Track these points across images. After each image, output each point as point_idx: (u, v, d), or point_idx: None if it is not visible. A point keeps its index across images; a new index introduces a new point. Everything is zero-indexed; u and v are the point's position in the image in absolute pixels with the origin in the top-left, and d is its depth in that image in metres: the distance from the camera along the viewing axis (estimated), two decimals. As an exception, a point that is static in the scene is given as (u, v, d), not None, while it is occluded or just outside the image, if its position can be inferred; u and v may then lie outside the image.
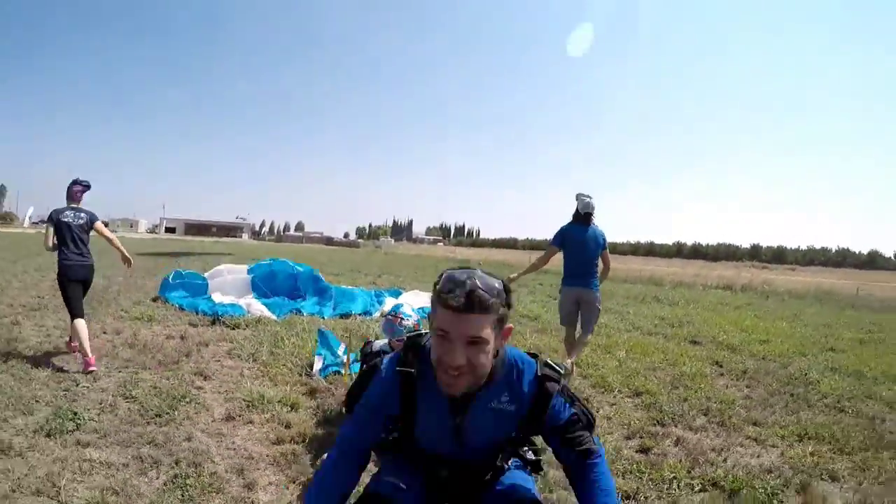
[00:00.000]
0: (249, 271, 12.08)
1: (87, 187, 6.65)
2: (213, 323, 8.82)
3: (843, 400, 6.37)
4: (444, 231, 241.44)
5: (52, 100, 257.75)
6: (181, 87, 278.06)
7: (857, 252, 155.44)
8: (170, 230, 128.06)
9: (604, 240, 6.61)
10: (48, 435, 3.94)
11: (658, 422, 5.15)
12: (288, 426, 4.43)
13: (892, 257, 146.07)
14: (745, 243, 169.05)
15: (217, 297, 10.64)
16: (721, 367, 7.95)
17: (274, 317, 9.60)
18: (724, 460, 4.25)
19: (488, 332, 1.65)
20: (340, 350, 6.55)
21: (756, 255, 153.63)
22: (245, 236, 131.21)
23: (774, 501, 3.59)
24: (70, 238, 6.20)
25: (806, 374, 7.62)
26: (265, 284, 11.51)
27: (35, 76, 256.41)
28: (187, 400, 4.93)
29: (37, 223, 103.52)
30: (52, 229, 6.19)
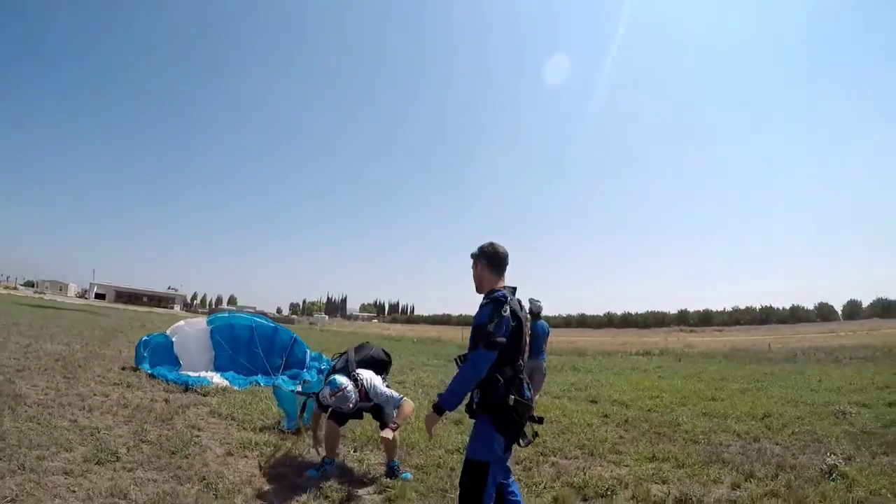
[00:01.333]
0: (209, 322, 13.70)
1: None
2: (186, 390, 10.40)
3: (699, 434, 8.61)
4: (378, 308, 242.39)
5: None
6: (113, 156, 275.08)
7: (779, 308, 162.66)
8: (100, 296, 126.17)
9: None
10: (98, 463, 5.56)
11: (542, 454, 7.25)
12: (272, 457, 6.20)
13: (813, 309, 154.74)
14: (673, 309, 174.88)
15: (182, 369, 12.19)
16: (608, 417, 10.13)
17: (236, 388, 11.26)
18: (584, 473, 6.35)
19: None
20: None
21: (684, 319, 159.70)
22: (177, 307, 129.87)
23: (610, 493, 5.63)
24: None
25: (677, 419, 9.85)
26: (223, 336, 13.18)
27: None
28: (193, 443, 6.65)
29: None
30: None
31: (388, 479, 5.72)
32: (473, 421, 3.83)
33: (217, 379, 11.62)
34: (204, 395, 10.09)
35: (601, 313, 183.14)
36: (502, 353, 3.64)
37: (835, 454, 7.01)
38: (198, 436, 7.12)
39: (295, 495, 5.25)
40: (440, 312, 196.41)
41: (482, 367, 3.59)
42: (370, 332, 69.38)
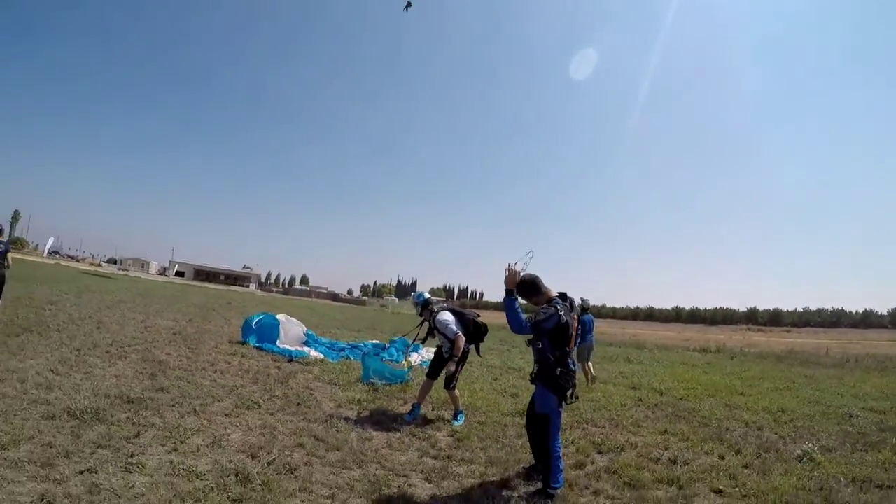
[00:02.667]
0: (305, 333, 16.75)
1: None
2: (290, 361, 12.71)
3: (712, 420, 10.21)
4: (447, 292, 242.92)
5: (75, 137, 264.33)
6: (199, 143, 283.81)
7: (851, 312, 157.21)
8: (179, 274, 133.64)
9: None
10: (247, 409, 7.84)
11: (577, 422, 9.20)
12: (370, 409, 8.63)
13: (887, 315, 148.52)
14: (743, 307, 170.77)
15: (280, 342, 14.65)
16: (641, 401, 11.80)
17: (330, 360, 13.56)
18: (605, 437, 8.26)
19: None
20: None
21: (753, 318, 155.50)
22: (253, 286, 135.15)
23: (620, 450, 7.57)
24: None
25: (699, 407, 11.42)
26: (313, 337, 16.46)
27: (61, 116, 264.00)
28: (310, 398, 8.97)
29: (56, 253, 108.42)
30: None
31: (454, 422, 8.29)
32: (534, 387, 5.91)
33: (314, 353, 13.99)
34: (306, 365, 12.39)
35: (670, 307, 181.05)
36: (553, 340, 5.56)
37: (817, 445, 8.43)
38: (311, 392, 9.51)
39: (393, 432, 7.48)
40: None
41: (544, 351, 5.64)
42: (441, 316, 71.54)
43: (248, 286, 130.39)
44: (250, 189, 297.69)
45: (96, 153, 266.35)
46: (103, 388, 7.71)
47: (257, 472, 5.23)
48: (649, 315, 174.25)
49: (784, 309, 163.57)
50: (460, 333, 8.09)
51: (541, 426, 5.73)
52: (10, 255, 14.41)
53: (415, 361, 14.58)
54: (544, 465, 5.67)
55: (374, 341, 18.13)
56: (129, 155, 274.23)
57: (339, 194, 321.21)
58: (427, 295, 8.83)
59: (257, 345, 14.23)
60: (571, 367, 5.70)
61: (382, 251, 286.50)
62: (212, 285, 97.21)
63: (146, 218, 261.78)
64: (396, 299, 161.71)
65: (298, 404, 8.46)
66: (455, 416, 8.42)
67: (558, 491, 5.47)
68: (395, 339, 17.66)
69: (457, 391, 8.45)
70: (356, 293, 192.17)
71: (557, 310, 5.51)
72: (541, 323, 5.47)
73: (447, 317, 8.33)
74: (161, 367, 9.94)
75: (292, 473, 5.44)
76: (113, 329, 14.13)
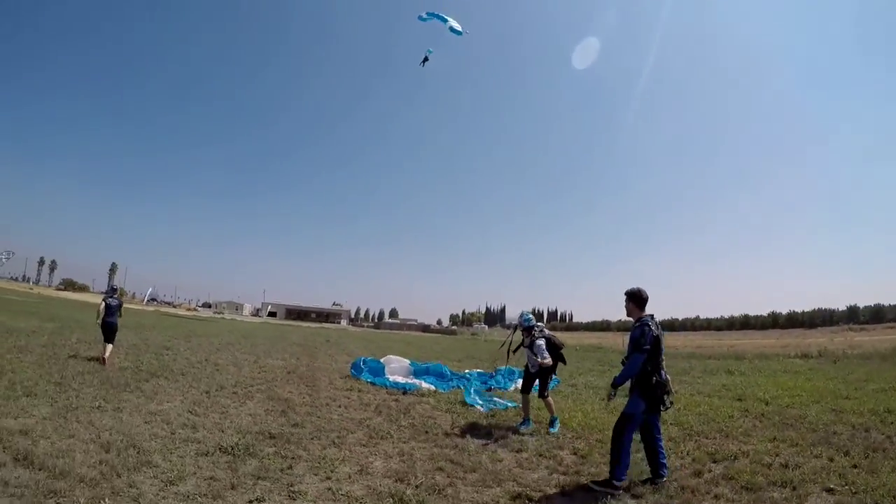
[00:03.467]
0: (411, 364, 17.07)
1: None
2: (404, 394, 13.07)
3: (819, 425, 9.94)
4: (537, 316, 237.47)
5: (167, 194, 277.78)
6: (285, 190, 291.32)
7: None
8: (272, 314, 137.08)
9: None
10: (381, 438, 8.36)
11: (688, 435, 9.30)
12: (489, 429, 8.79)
13: None
14: (842, 306, 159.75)
15: (391, 376, 15.20)
16: (748, 411, 11.59)
17: (441, 390, 13.84)
18: (719, 448, 8.30)
19: None
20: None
21: (854, 316, 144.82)
22: (344, 322, 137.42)
23: (733, 458, 7.65)
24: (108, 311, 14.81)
25: (805, 414, 11.10)
26: (419, 367, 16.82)
27: (154, 170, 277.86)
28: (434, 427, 9.38)
29: (154, 300, 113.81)
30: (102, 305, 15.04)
31: (551, 430, 9.35)
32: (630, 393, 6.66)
33: (425, 385, 14.30)
34: (421, 396, 12.78)
35: (765, 313, 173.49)
36: (649, 358, 6.37)
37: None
38: (434, 420, 9.95)
39: (519, 453, 7.97)
40: (598, 319, 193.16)
41: (637, 364, 6.39)
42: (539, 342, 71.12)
43: (339, 322, 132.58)
44: (334, 228, 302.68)
45: (183, 202, 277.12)
46: (243, 426, 8.32)
47: (411, 494, 5.65)
48: (745, 323, 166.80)
49: (886, 304, 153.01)
50: (548, 358, 9.55)
51: (620, 423, 6.50)
52: (122, 309, 15.83)
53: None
54: (613, 457, 6.38)
55: (478, 370, 18.41)
56: (213, 199, 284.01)
57: (420, 226, 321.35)
58: (534, 321, 10.30)
59: (370, 379, 14.77)
60: (664, 376, 6.52)
61: (469, 279, 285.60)
62: (305, 323, 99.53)
63: (236, 261, 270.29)
64: (486, 327, 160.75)
65: (426, 432, 8.90)
66: (551, 424, 9.53)
67: (622, 484, 6.19)
68: (501, 367, 17.84)
69: (550, 398, 9.89)
70: (445, 323, 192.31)
71: (650, 326, 6.45)
72: (638, 339, 6.42)
73: (542, 343, 9.70)
74: (288, 404, 10.54)
75: (441, 493, 5.84)
76: (231, 371, 14.95)
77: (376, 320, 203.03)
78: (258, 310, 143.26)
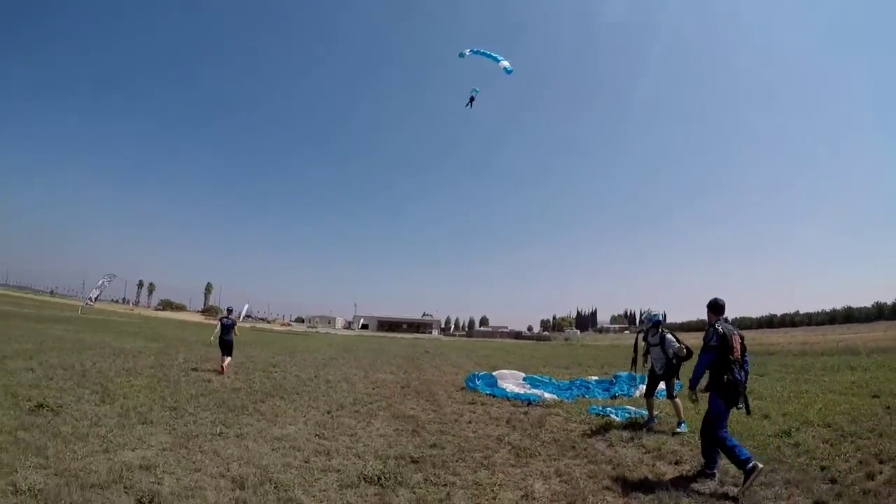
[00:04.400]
0: (524, 379, 16.53)
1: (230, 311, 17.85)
2: (529, 405, 12.38)
3: None
4: (629, 318, 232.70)
5: (258, 219, 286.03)
6: (369, 205, 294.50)
7: None
8: (364, 327, 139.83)
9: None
10: (529, 456, 7.63)
11: (841, 436, 8.83)
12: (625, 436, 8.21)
13: None
14: None
15: (509, 387, 14.59)
16: (891, 409, 10.99)
17: (566, 400, 13.14)
18: (879, 447, 7.96)
19: None
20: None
21: None
22: (435, 332, 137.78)
23: None
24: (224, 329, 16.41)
25: None
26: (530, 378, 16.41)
27: (240, 198, 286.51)
28: (581, 441, 8.68)
29: (249, 317, 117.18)
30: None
31: (678, 429, 9.37)
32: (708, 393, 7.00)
33: (547, 395, 13.60)
34: (547, 407, 12.09)
35: (869, 304, 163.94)
36: (718, 355, 6.87)
37: None
38: (573, 433, 9.40)
39: (678, 465, 7.50)
40: (694, 318, 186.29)
41: (704, 362, 7.00)
42: (626, 342, 69.36)
43: (430, 332, 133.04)
44: (421, 237, 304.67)
45: (269, 220, 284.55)
46: (379, 449, 7.78)
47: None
48: (848, 316, 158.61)
49: None
50: (685, 347, 9.76)
51: (706, 425, 6.99)
52: (236, 327, 17.17)
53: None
54: (726, 454, 6.62)
55: (594, 378, 17.41)
56: (296, 216, 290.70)
57: (504, 232, 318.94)
58: (660, 317, 10.42)
59: (489, 391, 14.16)
60: (737, 375, 6.82)
61: (558, 283, 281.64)
62: (398, 335, 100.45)
63: (326, 275, 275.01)
64: (578, 331, 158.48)
65: (572, 447, 8.31)
66: (678, 425, 9.53)
67: (751, 461, 6.26)
68: (620, 374, 16.93)
69: (678, 400, 9.80)
70: (536, 329, 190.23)
71: (717, 328, 7.04)
72: (706, 340, 7.10)
73: (672, 337, 9.99)
74: (416, 422, 9.98)
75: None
76: (344, 387, 14.52)
77: (467, 329, 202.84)
78: (350, 323, 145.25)
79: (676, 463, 7.51)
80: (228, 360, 16.22)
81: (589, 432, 9.40)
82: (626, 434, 9.14)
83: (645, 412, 10.68)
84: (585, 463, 7.40)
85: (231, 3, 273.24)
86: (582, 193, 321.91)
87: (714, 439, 6.75)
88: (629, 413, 10.99)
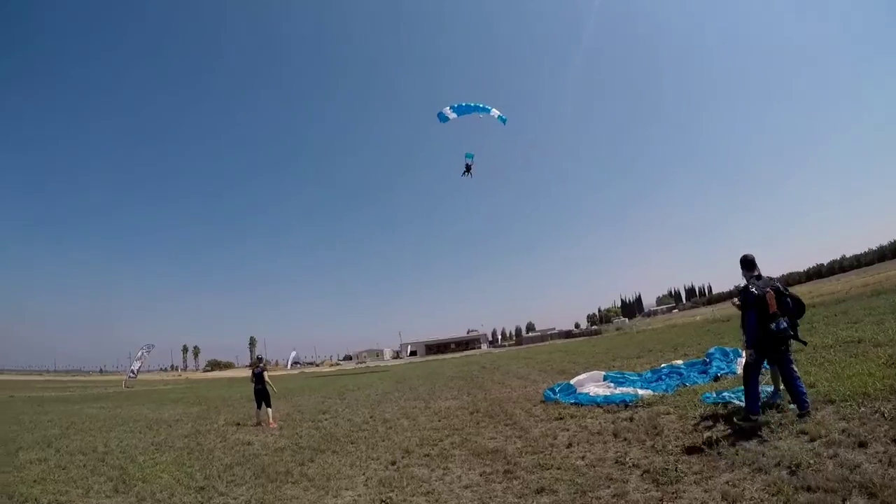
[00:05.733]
0: (605, 378, 14.36)
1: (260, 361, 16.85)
2: (626, 407, 10.35)
3: None
4: (674, 296, 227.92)
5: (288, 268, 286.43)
6: (403, 232, 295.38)
7: None
8: (413, 353, 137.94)
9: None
10: (658, 479, 5.46)
11: None
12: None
13: None
14: None
15: (592, 390, 12.60)
16: None
17: (668, 393, 11.08)
18: None
19: None
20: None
21: None
22: (484, 346, 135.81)
23: None
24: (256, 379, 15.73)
25: None
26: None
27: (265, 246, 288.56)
28: (710, 436, 6.39)
29: (297, 363, 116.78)
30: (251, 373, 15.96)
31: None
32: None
33: (642, 391, 11.53)
34: (649, 405, 10.09)
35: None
36: (757, 311, 7.27)
37: None
38: (703, 434, 7.42)
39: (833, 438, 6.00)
40: (743, 283, 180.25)
41: (750, 322, 7.40)
42: (680, 321, 66.79)
43: (479, 347, 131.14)
44: (454, 256, 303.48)
45: (308, 267, 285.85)
46: None
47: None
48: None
49: None
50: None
51: (744, 371, 7.62)
52: (266, 374, 15.97)
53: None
54: (745, 397, 7.56)
55: (679, 362, 15.24)
56: (333, 257, 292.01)
57: (535, 234, 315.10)
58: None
59: (573, 400, 12.08)
60: (775, 327, 7.12)
61: (597, 275, 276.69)
62: (447, 355, 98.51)
63: (367, 309, 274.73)
64: (626, 319, 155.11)
65: (719, 453, 6.35)
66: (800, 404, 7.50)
67: (757, 416, 7.17)
68: (710, 350, 14.88)
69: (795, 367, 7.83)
70: (583, 325, 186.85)
71: (749, 289, 7.50)
72: (743, 302, 7.59)
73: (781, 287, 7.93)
74: (503, 457, 7.98)
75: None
76: (405, 425, 12.54)
77: (515, 337, 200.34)
78: (398, 352, 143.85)
79: (861, 445, 5.59)
80: (269, 412, 15.43)
81: (720, 428, 7.49)
82: (762, 420, 7.24)
83: (767, 388, 8.73)
84: (750, 473, 5.51)
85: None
86: (604, 180, 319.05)
87: (746, 384, 7.46)
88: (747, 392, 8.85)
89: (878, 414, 6.34)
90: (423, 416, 13.67)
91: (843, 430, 6.09)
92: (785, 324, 7.15)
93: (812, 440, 6.05)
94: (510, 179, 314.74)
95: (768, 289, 7.31)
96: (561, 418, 10.32)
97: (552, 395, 13.01)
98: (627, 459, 6.67)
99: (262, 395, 15.62)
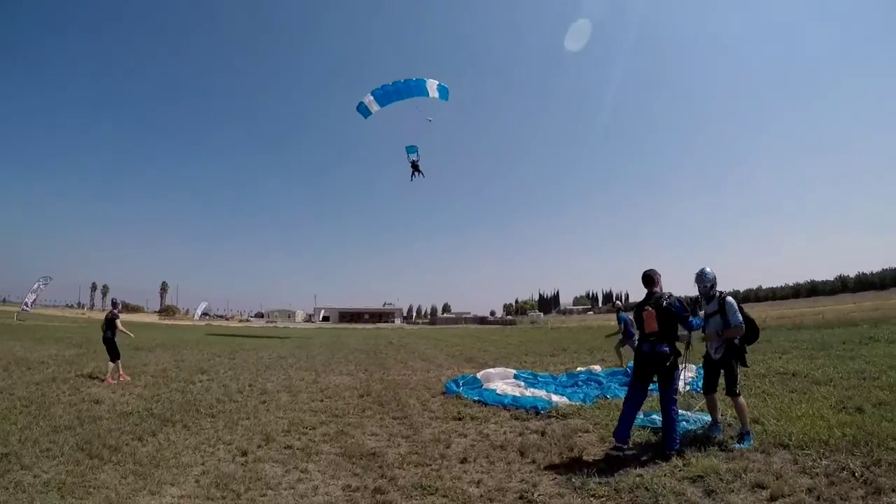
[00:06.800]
0: (515, 376, 12.90)
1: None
2: (537, 414, 9.00)
3: None
4: (591, 299, 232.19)
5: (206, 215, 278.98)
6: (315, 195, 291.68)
7: None
8: (325, 319, 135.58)
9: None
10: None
11: None
12: None
13: None
14: None
15: (500, 387, 11.26)
16: None
17: (587, 405, 9.72)
18: None
19: None
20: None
21: None
22: (398, 321, 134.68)
23: None
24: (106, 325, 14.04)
25: None
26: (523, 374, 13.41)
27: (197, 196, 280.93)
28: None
29: (206, 315, 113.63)
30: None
31: (738, 445, 6.38)
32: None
33: (555, 397, 10.10)
34: (564, 417, 8.69)
35: (832, 277, 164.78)
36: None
37: None
38: (626, 463, 6.11)
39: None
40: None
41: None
42: (594, 324, 67.22)
43: (393, 321, 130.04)
44: (378, 227, 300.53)
45: (227, 215, 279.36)
46: None
47: None
48: (812, 290, 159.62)
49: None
50: (742, 323, 6.89)
51: None
52: (119, 322, 14.23)
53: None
54: None
55: (597, 367, 14.26)
56: (254, 210, 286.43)
57: (469, 218, 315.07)
58: (713, 277, 7.27)
59: (476, 397, 10.56)
60: (644, 349, 6.73)
61: (518, 267, 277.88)
62: (359, 325, 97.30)
63: (285, 270, 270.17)
64: (542, 314, 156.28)
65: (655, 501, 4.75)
66: (741, 438, 6.61)
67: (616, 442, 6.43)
68: (633, 362, 13.56)
69: (742, 399, 6.86)
70: (499, 313, 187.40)
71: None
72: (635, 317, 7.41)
73: (733, 301, 7.08)
74: (379, 466, 6.30)
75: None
76: (283, 400, 10.87)
77: (430, 316, 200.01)
78: (311, 316, 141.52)
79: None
80: (111, 365, 13.50)
81: (651, 461, 6.02)
82: (705, 461, 5.68)
83: (704, 417, 7.67)
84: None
85: None
86: (539, 175, 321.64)
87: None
88: (686, 421, 7.57)
89: (846, 471, 5.16)
90: (306, 392, 11.98)
91: (810, 490, 4.75)
92: (664, 348, 6.49)
93: (773, 499, 4.65)
94: (455, 157, 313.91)
95: (648, 306, 6.69)
96: (460, 419, 8.80)
97: (455, 388, 11.45)
98: (535, 496, 5.08)
99: (107, 346, 13.75)
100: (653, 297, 6.77)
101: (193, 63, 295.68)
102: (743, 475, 5.25)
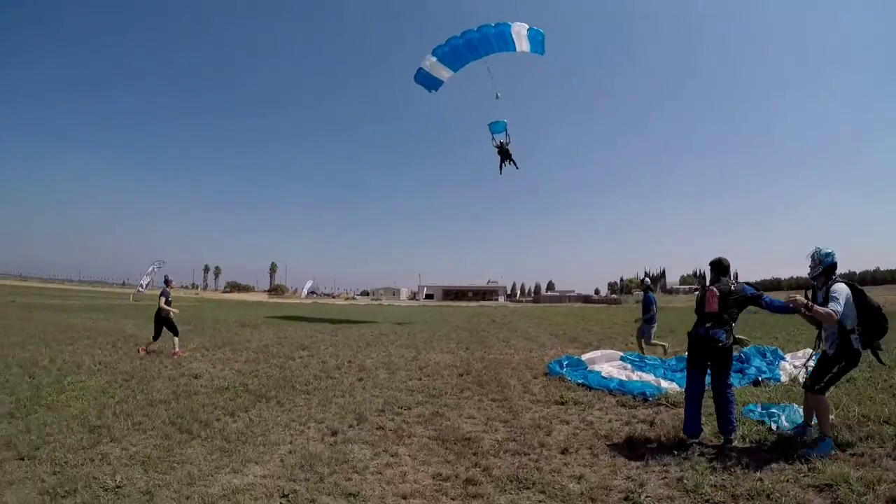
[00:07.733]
0: (622, 359, 12.20)
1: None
2: (645, 401, 8.43)
3: None
4: (699, 278, 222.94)
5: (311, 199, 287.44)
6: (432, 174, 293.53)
7: None
8: (429, 296, 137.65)
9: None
10: None
11: None
12: None
13: None
14: None
15: (605, 370, 10.65)
16: None
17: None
18: None
19: None
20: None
21: None
22: (501, 299, 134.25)
23: None
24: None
25: None
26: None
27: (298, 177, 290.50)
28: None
29: (314, 293, 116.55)
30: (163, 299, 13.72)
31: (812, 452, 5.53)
32: None
33: (664, 383, 9.36)
34: (676, 406, 7.94)
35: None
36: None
37: None
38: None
39: None
40: (768, 277, 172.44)
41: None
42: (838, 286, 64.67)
43: (496, 299, 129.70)
44: (485, 206, 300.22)
45: (334, 198, 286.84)
46: None
47: None
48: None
49: None
50: (835, 312, 5.59)
51: None
52: (162, 299, 13.89)
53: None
54: None
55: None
56: (362, 193, 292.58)
57: (563, 191, 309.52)
58: (834, 257, 6.08)
59: (581, 380, 9.97)
60: (700, 332, 6.58)
61: (625, 243, 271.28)
62: (462, 303, 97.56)
63: (392, 248, 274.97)
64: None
65: None
66: (818, 444, 5.76)
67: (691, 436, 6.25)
68: (746, 348, 12.79)
69: (825, 397, 5.99)
70: (603, 292, 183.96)
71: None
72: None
73: (842, 288, 5.80)
74: (473, 453, 5.86)
75: None
76: (378, 379, 10.57)
77: (534, 294, 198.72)
78: (415, 293, 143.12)
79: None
80: (177, 340, 13.69)
81: (772, 461, 5.37)
82: (834, 468, 4.98)
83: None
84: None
85: None
86: (650, 152, 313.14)
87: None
88: (799, 416, 6.77)
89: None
90: (405, 369, 11.71)
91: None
92: (720, 333, 6.24)
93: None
94: (556, 135, 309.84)
95: (714, 286, 6.48)
96: (563, 403, 8.28)
97: (558, 369, 10.91)
98: (642, 498, 4.52)
99: (161, 324, 13.68)
100: (720, 280, 6.62)
101: (318, 52, 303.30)
102: (876, 486, 4.50)
